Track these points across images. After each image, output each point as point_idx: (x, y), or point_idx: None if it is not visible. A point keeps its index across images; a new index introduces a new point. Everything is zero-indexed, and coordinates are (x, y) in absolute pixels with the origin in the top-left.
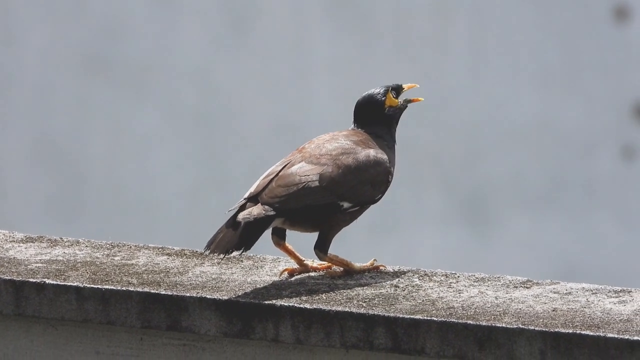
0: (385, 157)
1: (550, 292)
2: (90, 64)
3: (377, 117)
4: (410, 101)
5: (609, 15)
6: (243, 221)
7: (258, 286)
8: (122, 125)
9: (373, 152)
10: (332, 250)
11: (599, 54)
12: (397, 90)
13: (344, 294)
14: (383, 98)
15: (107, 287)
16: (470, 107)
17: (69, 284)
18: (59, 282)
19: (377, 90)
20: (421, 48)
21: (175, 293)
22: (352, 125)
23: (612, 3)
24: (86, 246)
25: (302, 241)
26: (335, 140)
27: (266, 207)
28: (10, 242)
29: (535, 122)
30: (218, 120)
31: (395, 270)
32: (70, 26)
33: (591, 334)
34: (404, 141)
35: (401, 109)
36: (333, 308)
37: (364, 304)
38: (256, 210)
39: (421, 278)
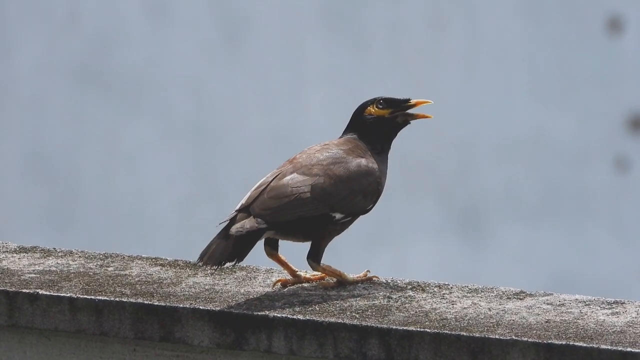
0: (375, 166)
1: (544, 303)
2: (84, 76)
3: (360, 124)
4: (414, 117)
5: (603, 28)
6: (236, 234)
7: (251, 297)
8: (116, 136)
9: (364, 162)
10: (326, 261)
11: (592, 66)
12: (396, 103)
13: (337, 305)
14: (368, 105)
15: (100, 297)
16: (465, 119)
17: (62, 294)
18: (52, 293)
19: (370, 99)
20: (415, 60)
21: (168, 304)
22: (349, 134)
23: (606, 15)
24: (79, 257)
25: (295, 252)
26: (326, 150)
27: (258, 219)
28: (4, 252)
29: (529, 134)
30: (211, 132)
31: (389, 281)
32: (64, 38)
33: (584, 345)
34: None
35: (390, 120)
36: (326, 319)
37: (357, 315)
38: (248, 222)
39: (414, 289)
